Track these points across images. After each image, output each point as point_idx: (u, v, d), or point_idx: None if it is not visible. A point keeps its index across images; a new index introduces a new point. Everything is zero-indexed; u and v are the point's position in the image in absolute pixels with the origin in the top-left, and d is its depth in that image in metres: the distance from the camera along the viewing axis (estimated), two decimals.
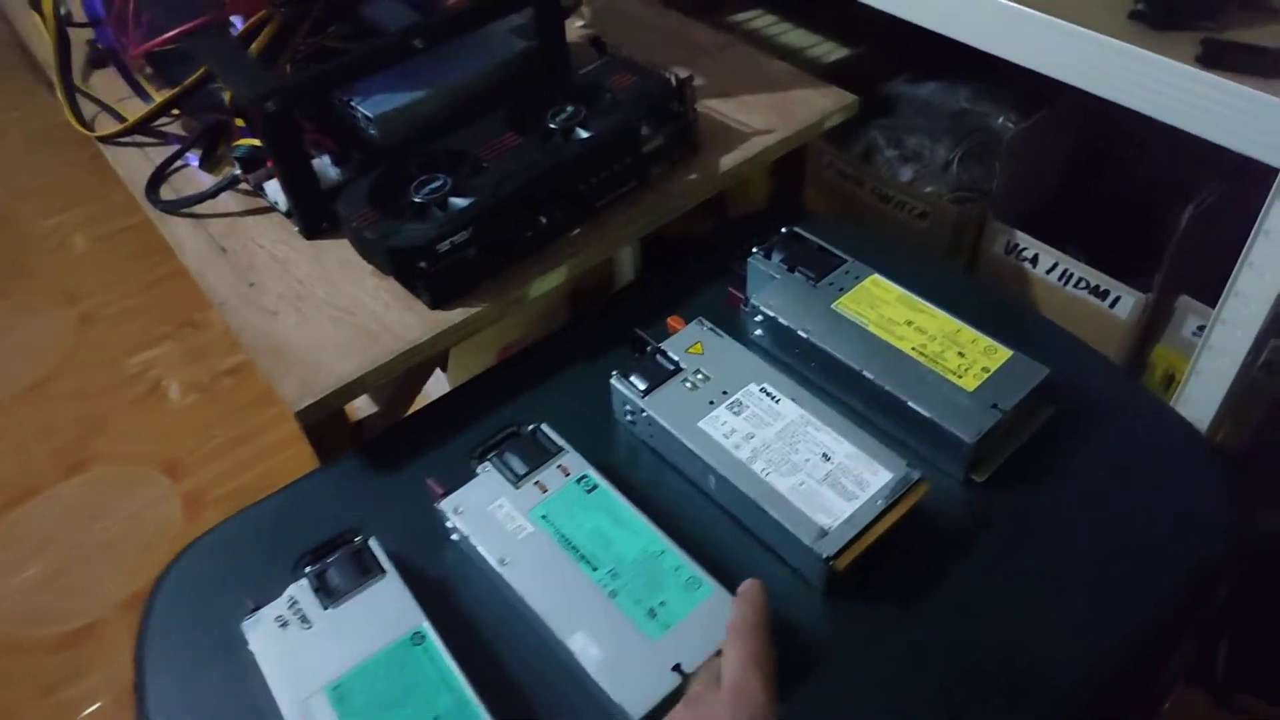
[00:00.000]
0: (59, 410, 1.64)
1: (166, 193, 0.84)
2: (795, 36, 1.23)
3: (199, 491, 1.50)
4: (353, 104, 0.78)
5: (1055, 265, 0.91)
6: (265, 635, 0.56)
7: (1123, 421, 0.68)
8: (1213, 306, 0.71)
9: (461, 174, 0.72)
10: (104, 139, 0.90)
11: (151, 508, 1.48)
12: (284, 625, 0.57)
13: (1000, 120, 1.00)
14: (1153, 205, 0.87)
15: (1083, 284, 0.90)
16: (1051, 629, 0.57)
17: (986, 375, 0.65)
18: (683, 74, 0.77)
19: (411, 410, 0.86)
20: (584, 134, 0.75)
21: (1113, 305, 0.88)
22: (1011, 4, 0.72)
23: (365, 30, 0.81)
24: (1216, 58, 0.64)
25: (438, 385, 1.37)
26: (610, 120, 0.75)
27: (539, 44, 0.83)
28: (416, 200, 0.70)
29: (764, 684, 0.48)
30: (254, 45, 0.75)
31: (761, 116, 0.84)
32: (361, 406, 0.92)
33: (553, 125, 0.76)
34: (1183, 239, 0.81)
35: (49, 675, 1.28)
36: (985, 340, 0.67)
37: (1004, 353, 0.66)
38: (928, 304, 0.70)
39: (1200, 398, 0.84)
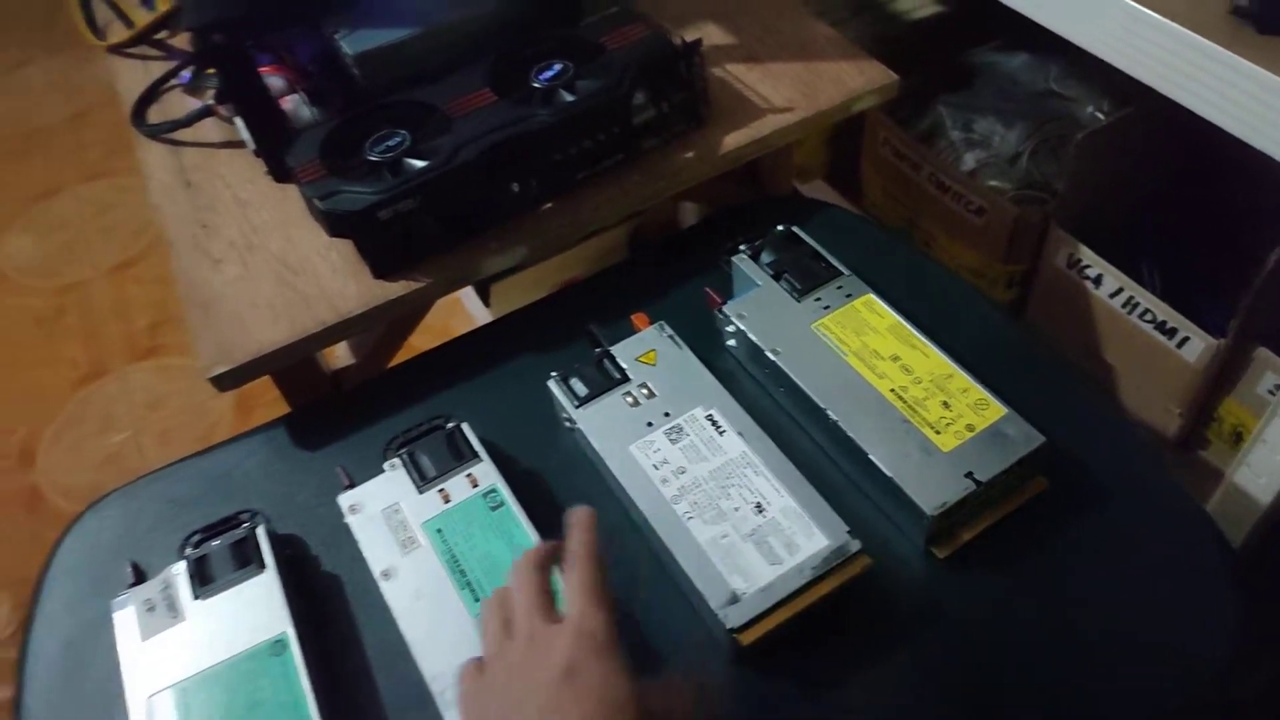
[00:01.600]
0: (137, 294, 1.69)
1: (155, 115, 0.80)
2: None
3: (252, 395, 1.52)
4: (338, 38, 0.72)
5: (1120, 290, 0.78)
6: (130, 618, 0.54)
7: (1129, 508, 0.57)
8: None
9: (424, 132, 0.65)
10: (112, 48, 0.87)
11: (207, 403, 1.52)
12: (151, 609, 0.54)
13: (1089, 110, 0.86)
14: (1240, 237, 0.73)
15: (1149, 317, 0.77)
16: None
17: (969, 435, 0.56)
18: (690, 37, 0.68)
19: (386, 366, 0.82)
20: (567, 98, 0.67)
21: (1180, 345, 0.76)
22: None
23: None
24: None
25: (484, 314, 1.33)
26: (598, 84, 0.67)
27: None
28: (370, 158, 0.64)
29: (608, 617, 0.42)
30: None
31: (784, 91, 0.74)
32: (341, 355, 0.89)
33: (535, 84, 0.68)
34: (1268, 282, 0.68)
35: None
36: (979, 392, 0.57)
37: (996, 410, 0.56)
38: (922, 338, 0.60)
39: (1265, 468, 0.72)
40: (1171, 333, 0.76)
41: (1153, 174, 0.81)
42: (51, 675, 0.56)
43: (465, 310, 1.51)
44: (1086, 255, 0.80)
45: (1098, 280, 0.80)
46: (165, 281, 1.70)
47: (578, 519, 0.47)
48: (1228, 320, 0.72)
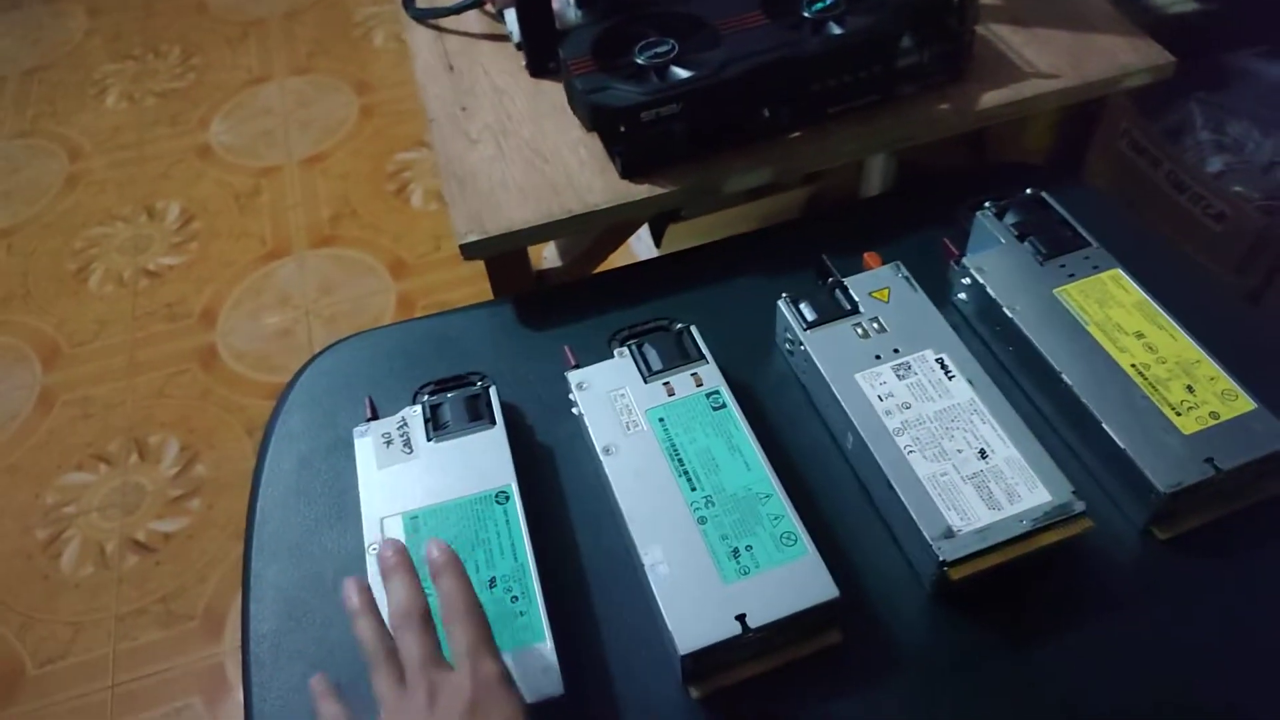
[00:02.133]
0: (324, 187, 1.78)
1: (423, 1, 0.84)
2: None
3: (413, 295, 1.59)
4: None
5: None
6: (369, 447, 0.58)
7: None
8: None
9: (692, 43, 0.67)
10: None
11: (371, 297, 1.60)
12: (388, 443, 0.58)
13: None
14: None
15: None
16: None
17: (1214, 423, 0.54)
18: None
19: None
20: (837, 30, 0.67)
21: None
22: None
23: None
24: None
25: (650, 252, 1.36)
26: (870, 21, 0.67)
27: None
28: (638, 61, 0.66)
29: (499, 663, 0.44)
30: None
31: (1051, 57, 0.72)
32: (549, 257, 0.92)
33: (807, 13, 0.68)
34: None
35: (256, 418, 1.43)
36: (1227, 382, 0.56)
37: (1245, 403, 0.55)
38: (1171, 320, 0.59)
39: None
40: None
41: None
42: (285, 486, 0.60)
43: (633, 252, 1.54)
44: None
45: None
46: (350, 178, 1.78)
47: (444, 566, 0.47)
48: None
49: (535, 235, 0.66)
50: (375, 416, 0.60)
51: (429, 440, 0.58)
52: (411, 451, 0.57)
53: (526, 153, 0.70)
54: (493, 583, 0.51)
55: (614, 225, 0.80)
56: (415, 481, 0.56)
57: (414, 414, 0.59)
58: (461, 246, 0.65)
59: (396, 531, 0.54)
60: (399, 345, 0.68)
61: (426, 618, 0.46)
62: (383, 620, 0.46)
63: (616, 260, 1.52)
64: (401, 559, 0.48)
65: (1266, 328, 0.68)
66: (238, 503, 1.37)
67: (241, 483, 0.59)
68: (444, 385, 0.62)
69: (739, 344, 0.65)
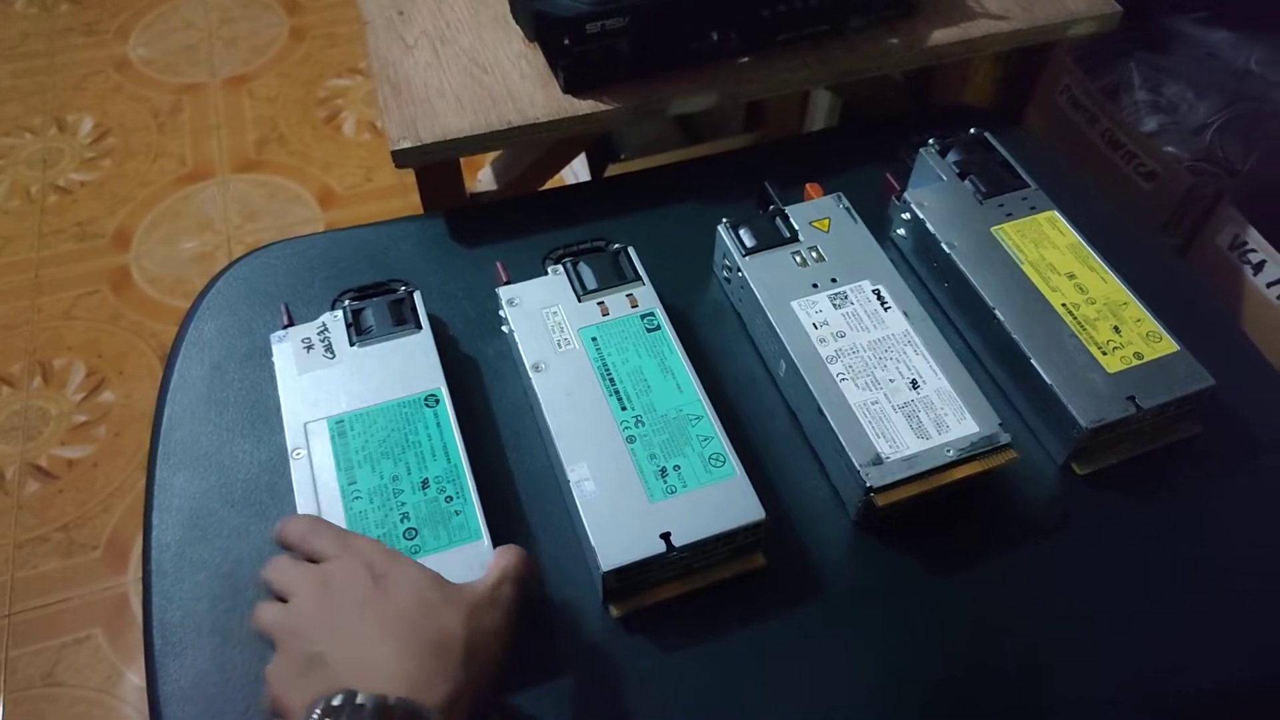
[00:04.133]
0: (251, 108, 1.70)
1: None
2: None
3: (341, 225, 1.54)
4: None
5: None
6: (288, 352, 0.55)
7: (1276, 473, 0.56)
8: None
9: None
10: None
11: (297, 226, 1.54)
12: (309, 348, 0.55)
13: None
14: None
15: None
16: (1091, 663, 0.49)
17: (1137, 363, 0.55)
18: None
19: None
20: None
21: None
22: None
23: None
24: None
25: None
26: None
27: None
28: None
29: (374, 540, 0.43)
30: None
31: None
32: (483, 180, 0.89)
33: None
34: None
35: (169, 344, 1.37)
36: (1152, 324, 0.57)
37: (1169, 345, 0.56)
38: (1102, 262, 0.59)
39: None
40: None
41: None
42: (195, 393, 0.58)
43: None
44: (1254, 239, 0.78)
45: (1259, 267, 0.78)
46: (278, 101, 1.71)
47: (287, 526, 0.45)
48: None
49: (472, 145, 0.63)
50: (293, 323, 0.58)
51: (352, 345, 0.55)
52: (334, 356, 0.55)
53: (465, 61, 0.67)
54: (425, 484, 0.49)
55: (552, 147, 0.78)
56: (339, 386, 0.54)
57: (335, 319, 0.57)
58: (394, 153, 0.62)
59: (321, 435, 0.52)
60: (323, 254, 0.65)
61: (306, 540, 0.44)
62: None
63: None
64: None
65: (1193, 278, 0.69)
66: (147, 431, 1.31)
67: (152, 410, 0.56)
68: (365, 292, 0.59)
69: (677, 269, 0.64)
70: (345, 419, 0.52)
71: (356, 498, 0.48)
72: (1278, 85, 0.84)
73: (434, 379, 0.54)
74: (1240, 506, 0.55)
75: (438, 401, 0.53)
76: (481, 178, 0.89)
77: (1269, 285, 0.77)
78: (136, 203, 1.55)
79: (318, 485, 0.49)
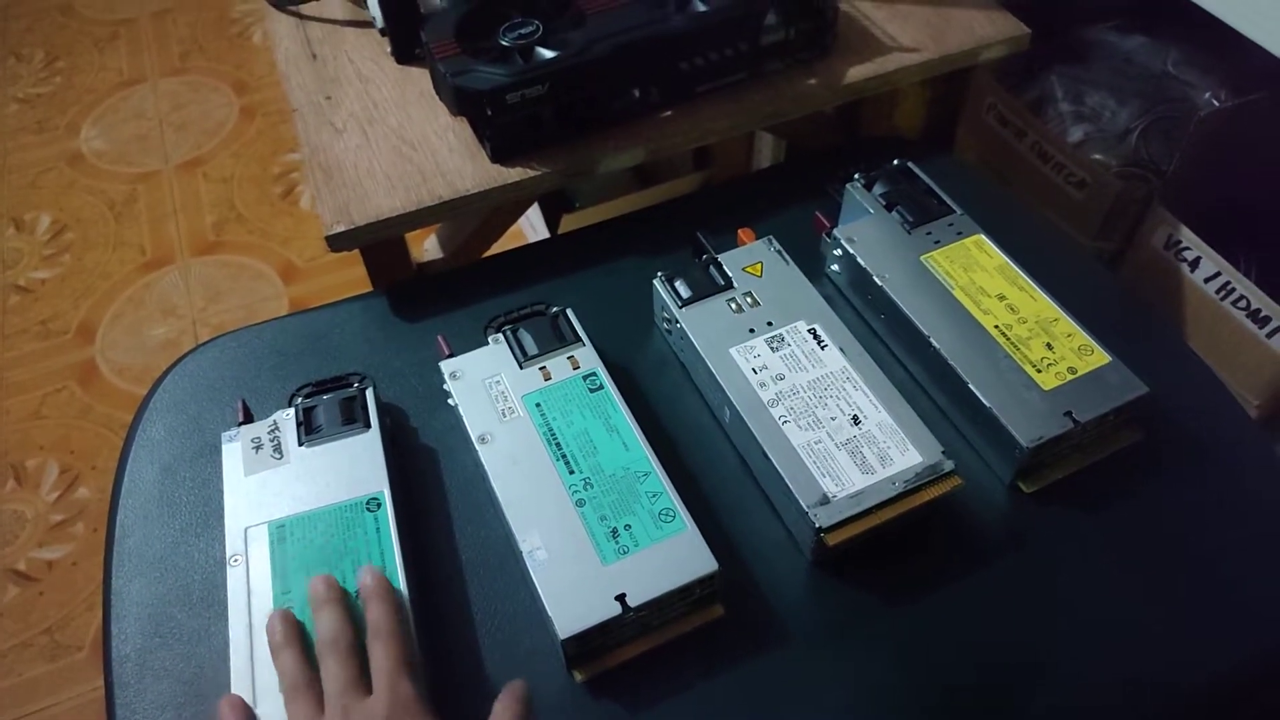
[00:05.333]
0: (207, 190, 1.72)
1: None
2: None
3: (305, 299, 1.55)
4: None
5: (1216, 275, 0.78)
6: (237, 453, 0.56)
7: (1222, 471, 0.57)
8: None
9: (557, 24, 0.66)
10: None
11: (262, 303, 1.54)
12: (258, 448, 0.56)
13: (1206, 96, 0.85)
14: None
15: (1243, 304, 0.77)
16: (1057, 680, 0.50)
17: (1071, 377, 0.56)
18: None
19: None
20: (701, 8, 0.67)
21: (1271, 336, 0.75)
22: None
23: None
24: None
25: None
26: None
27: None
28: (502, 43, 0.65)
29: (417, 686, 0.45)
30: None
31: (912, 31, 0.74)
32: (429, 249, 0.90)
33: None
34: None
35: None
36: (1084, 338, 0.58)
37: (1101, 357, 0.57)
38: (1031, 281, 0.61)
39: None
40: (1264, 322, 0.75)
41: (1262, 165, 0.81)
42: (147, 496, 0.58)
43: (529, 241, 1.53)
44: (1186, 236, 0.79)
45: (1195, 263, 0.79)
46: (233, 181, 1.72)
47: (373, 591, 0.48)
48: None
49: (406, 223, 0.64)
50: (249, 419, 0.58)
51: (300, 445, 0.56)
52: (282, 457, 0.55)
53: (394, 140, 0.68)
54: (358, 594, 0.49)
55: (493, 213, 0.79)
56: (284, 488, 0.54)
57: (286, 417, 0.57)
58: (328, 238, 0.63)
59: (261, 541, 0.52)
60: (271, 344, 0.65)
61: (353, 647, 0.46)
62: (305, 652, 0.47)
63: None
64: (332, 591, 0.48)
65: (1120, 286, 0.70)
66: None
67: None
68: (322, 386, 0.60)
69: (619, 325, 0.65)
70: (286, 523, 0.52)
71: (289, 607, 0.48)
72: (1194, 85, 0.87)
73: (377, 481, 0.54)
74: (1189, 508, 0.56)
75: (379, 505, 0.53)
76: (427, 246, 0.90)
77: (1206, 280, 0.79)
78: (99, 295, 1.55)
79: (252, 594, 0.49)
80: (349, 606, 0.48)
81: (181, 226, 1.66)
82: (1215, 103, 0.85)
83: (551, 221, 1.42)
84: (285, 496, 0.53)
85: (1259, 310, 0.75)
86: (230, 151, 1.79)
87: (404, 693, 0.44)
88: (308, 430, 0.56)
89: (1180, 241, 0.80)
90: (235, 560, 0.51)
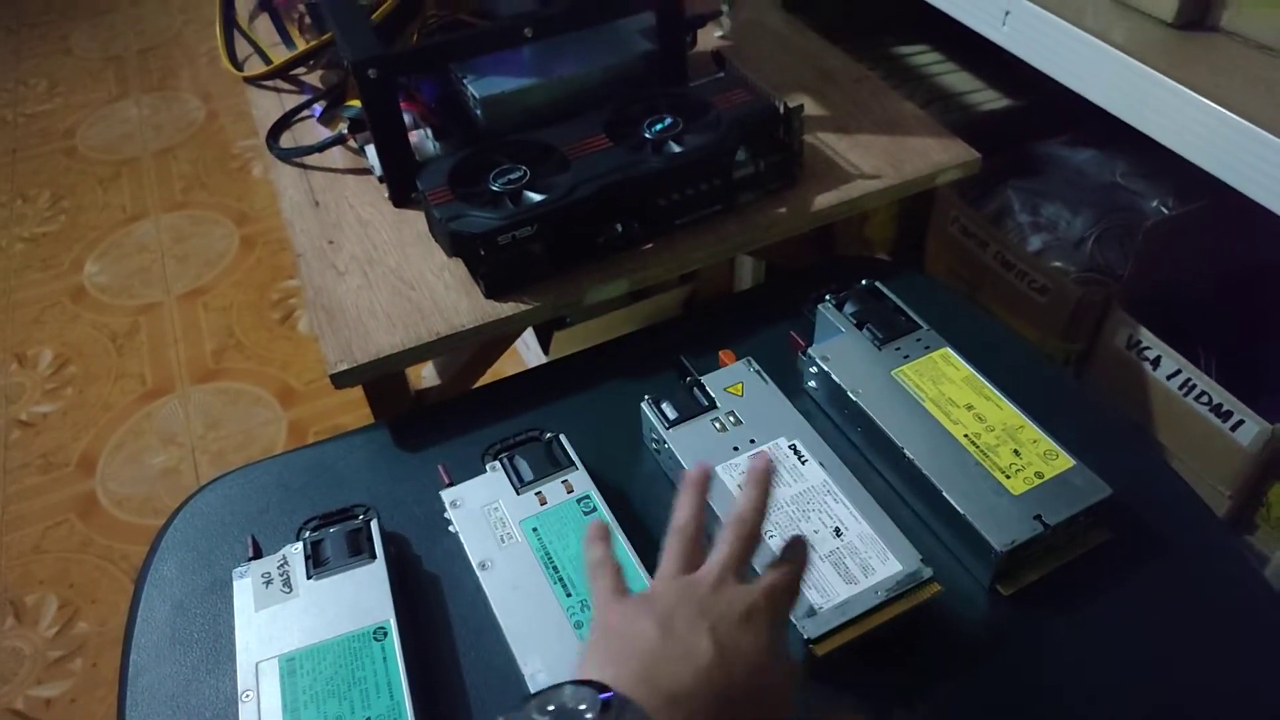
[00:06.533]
0: (207, 319, 1.76)
1: (286, 140, 0.87)
2: (957, 79, 1.16)
3: (304, 422, 1.58)
4: (465, 82, 0.79)
5: (1178, 372, 0.82)
6: (248, 588, 0.58)
7: (1191, 566, 0.60)
8: None
9: (543, 169, 0.72)
10: (248, 79, 0.95)
11: (261, 428, 1.57)
12: (268, 584, 0.58)
13: (1154, 204, 0.91)
14: None
15: (1205, 399, 0.80)
16: None
17: (1039, 482, 0.59)
18: (793, 103, 0.74)
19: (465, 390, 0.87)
20: (676, 149, 0.73)
21: (1234, 429, 0.79)
22: (1179, 87, 0.64)
23: (493, 12, 0.82)
24: None
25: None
26: (705, 139, 0.73)
27: (658, 49, 0.81)
28: (492, 188, 0.70)
29: (791, 602, 0.46)
30: (378, 12, 0.76)
31: (873, 160, 0.80)
32: (427, 376, 0.94)
33: (647, 134, 0.74)
34: None
35: (140, 565, 1.37)
36: (1048, 443, 0.61)
37: (1065, 461, 0.60)
38: (996, 391, 0.64)
39: None
40: (1226, 415, 0.79)
41: (1216, 264, 0.86)
42: (160, 634, 0.59)
43: (523, 359, 1.57)
44: (1146, 337, 0.84)
45: (1156, 362, 0.83)
46: (232, 310, 1.77)
47: (757, 477, 0.49)
48: (1278, 411, 0.75)
49: (405, 359, 0.68)
50: (258, 555, 0.60)
51: (309, 578, 0.58)
52: (291, 590, 0.57)
53: (393, 280, 0.73)
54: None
55: (487, 342, 0.83)
56: (293, 621, 0.56)
57: (295, 551, 0.59)
58: (332, 376, 0.66)
59: (272, 675, 0.53)
60: (278, 478, 0.68)
61: (755, 536, 0.47)
62: (705, 507, 0.49)
63: (507, 368, 1.56)
64: (700, 479, 0.49)
65: (1082, 390, 0.74)
66: None
67: None
68: (328, 519, 0.62)
69: (611, 447, 0.68)
70: (296, 656, 0.54)
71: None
72: (1142, 194, 0.93)
73: (383, 610, 0.56)
74: (1159, 602, 0.58)
75: (385, 635, 0.55)
76: (425, 374, 0.94)
77: (1169, 378, 0.83)
78: (100, 426, 1.58)
79: None
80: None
81: (182, 355, 1.70)
82: (1163, 210, 0.91)
83: (544, 338, 1.47)
84: (295, 629, 0.55)
85: (1220, 405, 0.79)
86: (231, 281, 1.85)
87: (779, 597, 0.45)
88: (315, 563, 0.59)
89: (1140, 341, 0.84)
90: (247, 697, 0.52)
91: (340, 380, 0.66)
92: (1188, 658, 0.56)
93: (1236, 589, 0.59)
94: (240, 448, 1.54)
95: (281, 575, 0.58)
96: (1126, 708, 0.54)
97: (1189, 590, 0.59)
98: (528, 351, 1.55)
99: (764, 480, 0.49)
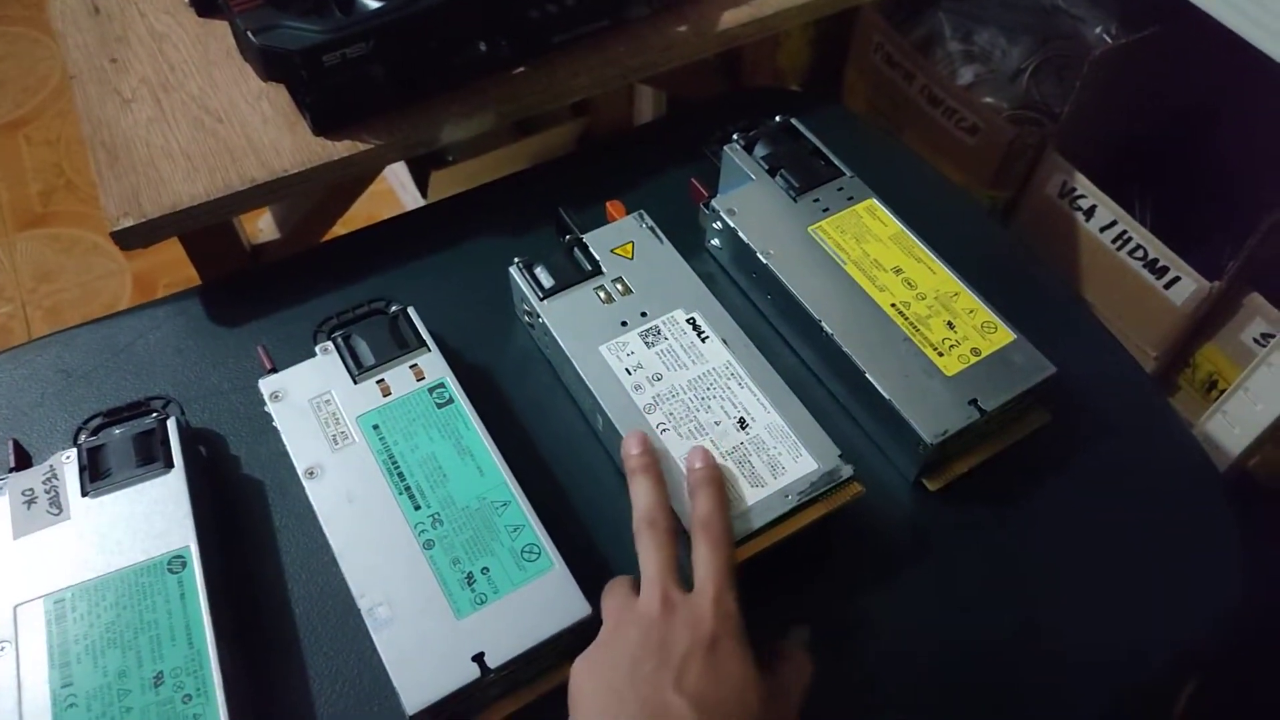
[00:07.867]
0: (29, 156, 1.54)
1: None
2: None
3: (152, 274, 1.40)
4: None
5: (1113, 224, 0.74)
6: (5, 510, 0.46)
7: (1131, 449, 0.53)
8: None
9: None
10: None
11: (100, 280, 1.39)
12: (31, 503, 0.46)
13: (1097, 30, 0.81)
14: (1253, 180, 0.69)
15: (1140, 254, 0.73)
16: (976, 685, 0.45)
17: (975, 360, 0.51)
18: None
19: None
20: None
21: (1169, 287, 0.72)
22: None
23: None
24: None
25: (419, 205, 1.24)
26: None
27: None
28: None
29: (740, 602, 0.40)
30: None
31: None
32: (265, 229, 0.79)
33: None
34: (1275, 229, 0.64)
35: None
36: (987, 313, 0.52)
37: (1005, 335, 0.52)
38: (929, 251, 0.55)
39: (1242, 417, 0.69)
40: (1162, 272, 0.72)
41: (1161, 102, 0.77)
42: None
43: (400, 202, 1.41)
44: (1082, 184, 0.75)
45: (1090, 212, 0.75)
46: (61, 144, 1.55)
47: (701, 481, 0.44)
48: (1214, 267, 0.69)
49: (211, 212, 0.54)
50: (22, 465, 0.48)
51: (85, 495, 0.46)
52: (61, 511, 0.46)
53: (195, 111, 0.58)
54: (158, 679, 0.40)
55: (333, 186, 0.69)
56: (64, 551, 0.44)
57: (67, 460, 0.47)
58: (114, 234, 0.52)
59: (35, 620, 0.42)
60: (55, 363, 0.55)
61: (674, 535, 0.43)
62: (662, 487, 0.44)
63: (383, 211, 1.40)
64: (648, 460, 0.45)
65: (1018, 244, 0.66)
66: None
67: None
68: (114, 417, 0.50)
69: (476, 320, 0.57)
70: (67, 596, 0.43)
71: (71, 705, 0.39)
72: (1084, 20, 0.82)
73: (182, 534, 0.45)
74: (1097, 490, 0.52)
75: (184, 565, 0.44)
76: (262, 226, 0.79)
77: (1102, 230, 0.75)
78: None
79: (22, 690, 0.40)
80: (661, 477, 0.44)
81: (3, 197, 1.48)
82: (1107, 39, 0.80)
83: (420, 178, 1.31)
84: (66, 562, 0.44)
85: (1156, 260, 0.72)
86: (55, 110, 1.60)
87: (729, 605, 0.40)
88: (94, 475, 0.47)
89: (1075, 189, 0.76)
90: (3, 649, 0.41)
91: (124, 239, 0.53)
92: (1129, 553, 0.50)
93: (1184, 477, 0.53)
94: (78, 302, 1.37)
95: (49, 492, 0.46)
96: (1063, 605, 0.48)
97: (1130, 477, 0.52)
98: (404, 193, 1.40)
99: (711, 482, 0.44)
